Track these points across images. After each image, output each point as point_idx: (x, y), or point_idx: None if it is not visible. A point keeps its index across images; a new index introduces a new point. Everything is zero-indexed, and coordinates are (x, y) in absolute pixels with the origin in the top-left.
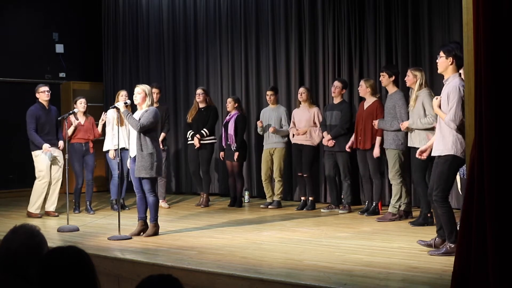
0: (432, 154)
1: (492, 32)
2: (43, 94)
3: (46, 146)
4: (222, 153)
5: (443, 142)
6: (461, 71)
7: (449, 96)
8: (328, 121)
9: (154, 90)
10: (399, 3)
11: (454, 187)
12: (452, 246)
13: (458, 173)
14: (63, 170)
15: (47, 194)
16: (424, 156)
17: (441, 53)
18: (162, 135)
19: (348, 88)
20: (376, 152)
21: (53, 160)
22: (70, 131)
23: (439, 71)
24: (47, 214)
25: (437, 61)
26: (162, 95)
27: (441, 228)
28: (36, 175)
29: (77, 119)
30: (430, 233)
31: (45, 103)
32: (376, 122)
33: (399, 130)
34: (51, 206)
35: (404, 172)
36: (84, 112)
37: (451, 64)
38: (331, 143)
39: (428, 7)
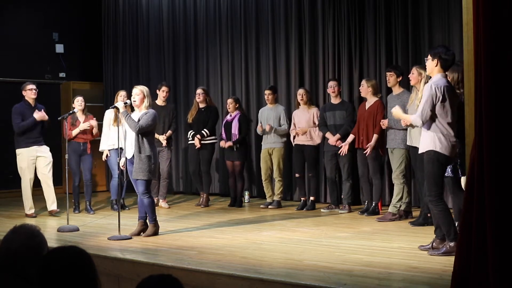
0: (419, 152)
1: (492, 32)
2: (30, 92)
3: (36, 115)
4: (222, 142)
5: (423, 139)
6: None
7: (423, 94)
8: (330, 121)
9: (164, 89)
10: (399, 3)
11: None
12: (452, 244)
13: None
14: (62, 170)
15: (43, 195)
16: None
17: (429, 56)
18: (169, 132)
19: (348, 88)
20: (369, 148)
21: (39, 158)
22: (75, 132)
23: (426, 73)
24: (50, 213)
25: (425, 63)
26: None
27: (438, 228)
28: (19, 173)
29: (77, 119)
30: (430, 233)
31: (31, 101)
32: (385, 122)
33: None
34: (51, 205)
35: (407, 172)
36: (83, 110)
37: (436, 66)
38: (339, 143)
39: (428, 7)
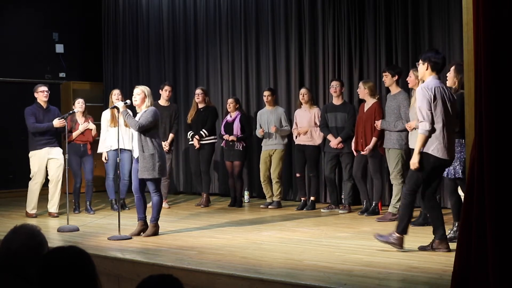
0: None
1: (492, 32)
2: (41, 94)
3: (56, 122)
4: (226, 136)
5: (415, 140)
6: (452, 71)
7: (417, 98)
8: (332, 123)
9: (166, 88)
10: (399, 3)
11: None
12: (396, 236)
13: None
14: (63, 170)
15: (47, 194)
16: None
17: (420, 61)
18: (171, 136)
19: (348, 89)
20: (368, 149)
21: (51, 160)
22: (75, 134)
23: (419, 77)
24: (49, 214)
25: (418, 68)
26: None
27: (436, 229)
28: (30, 175)
29: (76, 121)
30: (430, 233)
31: (43, 103)
32: (378, 123)
33: (404, 130)
34: (52, 207)
35: (405, 172)
36: (83, 112)
37: (427, 70)
38: (341, 146)
39: (428, 7)
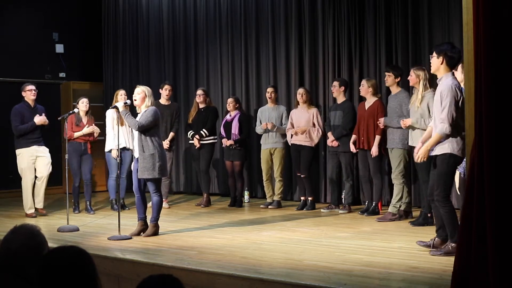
0: (430, 154)
1: (492, 32)
2: (29, 93)
3: (37, 119)
4: (224, 140)
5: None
6: (460, 69)
7: (442, 95)
8: (332, 122)
9: (166, 87)
10: (399, 3)
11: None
12: (454, 245)
13: (457, 171)
14: (62, 170)
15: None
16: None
17: (434, 53)
18: (171, 134)
19: (348, 88)
20: (374, 151)
21: (39, 158)
22: (77, 134)
23: (431, 71)
24: (36, 211)
25: (430, 60)
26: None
27: (440, 228)
28: (19, 173)
29: (81, 119)
30: (430, 233)
31: (30, 102)
32: (382, 120)
33: (406, 128)
34: (38, 203)
35: (407, 172)
36: (86, 112)
37: (441, 64)
38: (335, 144)
39: (428, 7)
